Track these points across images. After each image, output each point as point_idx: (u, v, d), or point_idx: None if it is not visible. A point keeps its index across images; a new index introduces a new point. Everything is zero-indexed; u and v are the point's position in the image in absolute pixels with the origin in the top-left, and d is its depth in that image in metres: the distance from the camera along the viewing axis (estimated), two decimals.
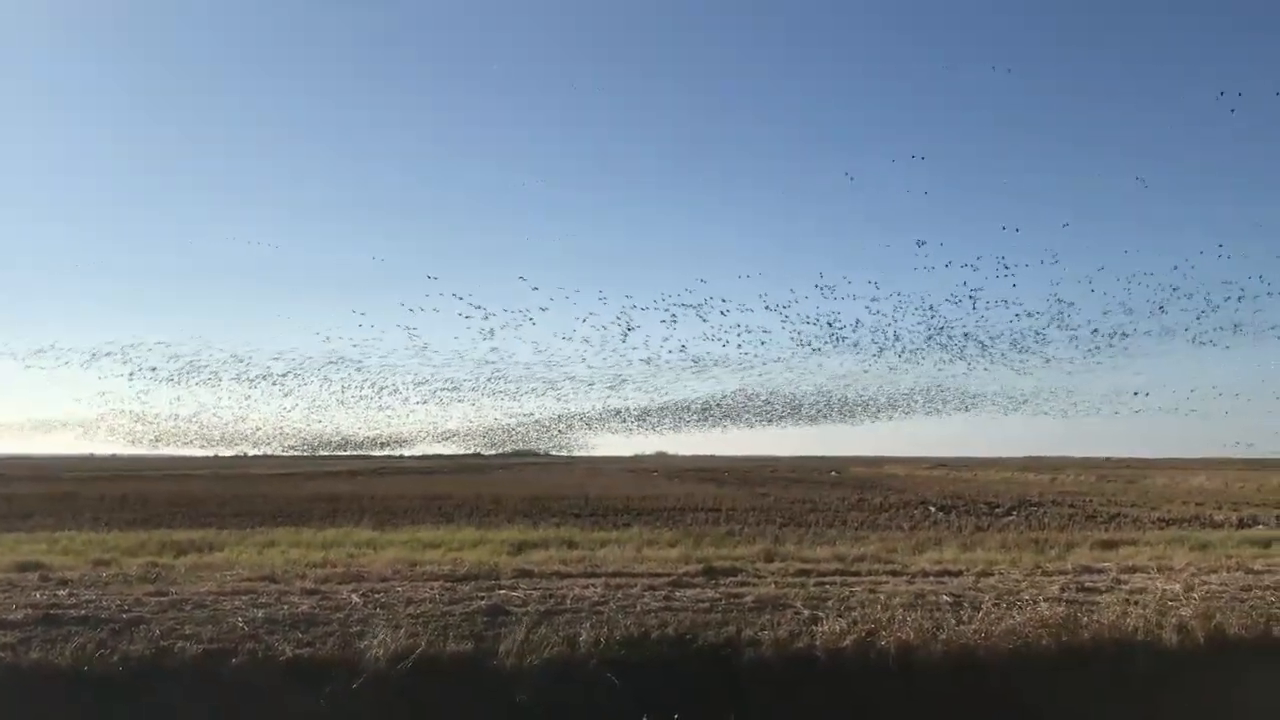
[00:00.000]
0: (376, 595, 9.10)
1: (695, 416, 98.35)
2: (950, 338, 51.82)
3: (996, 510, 28.54)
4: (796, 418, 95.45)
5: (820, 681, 7.37)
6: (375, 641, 7.29)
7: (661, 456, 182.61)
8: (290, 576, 10.27)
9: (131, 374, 68.06)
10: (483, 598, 9.01)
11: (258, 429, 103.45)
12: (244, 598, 8.94)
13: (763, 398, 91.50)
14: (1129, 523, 23.13)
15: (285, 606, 8.49)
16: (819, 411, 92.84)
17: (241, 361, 73.51)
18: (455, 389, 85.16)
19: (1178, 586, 9.62)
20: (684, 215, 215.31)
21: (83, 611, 8.24)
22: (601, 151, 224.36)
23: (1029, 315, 57.97)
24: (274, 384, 76.26)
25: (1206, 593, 9.27)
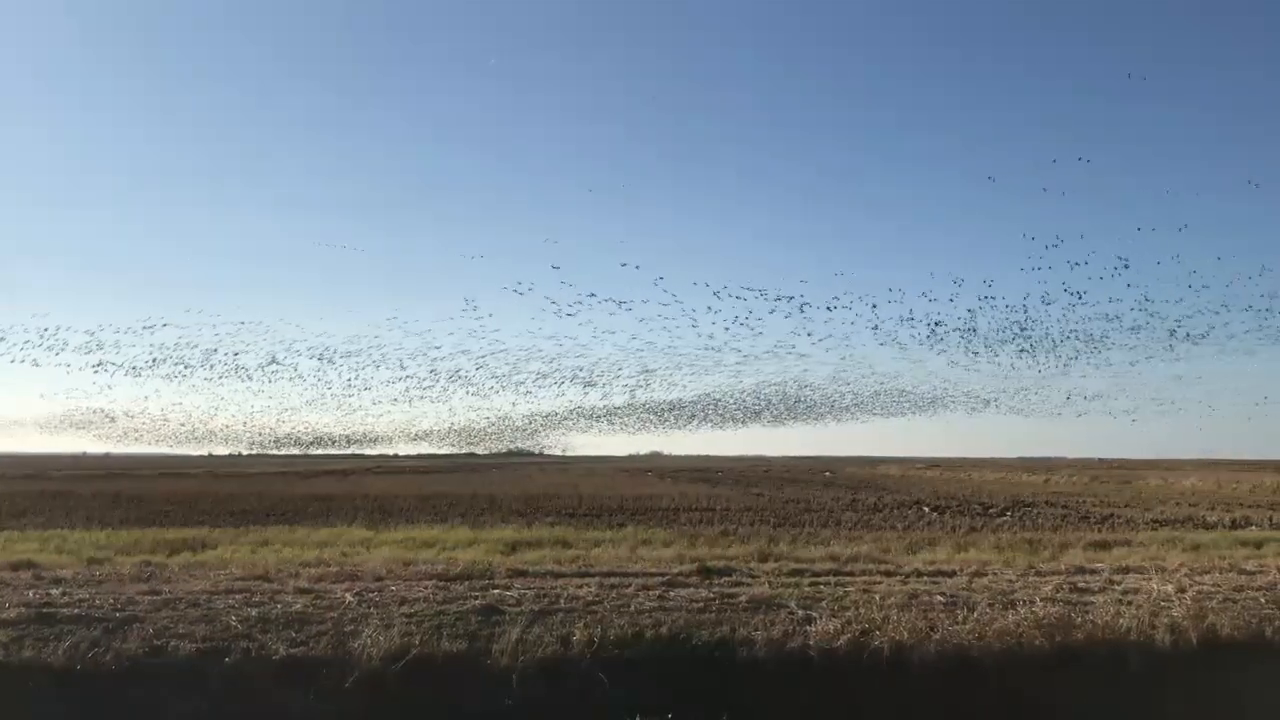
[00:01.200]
0: (370, 594, 9.07)
1: (655, 417, 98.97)
2: (1029, 339, 51.77)
3: (990, 511, 28.61)
4: (759, 420, 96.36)
5: (814, 681, 7.38)
6: (369, 640, 7.28)
7: (656, 456, 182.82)
8: (284, 575, 10.23)
9: (98, 363, 65.47)
10: (477, 597, 8.99)
11: (226, 426, 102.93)
12: (238, 596, 8.91)
13: (733, 401, 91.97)
14: (1122, 523, 23.21)
15: (279, 605, 8.46)
16: (782, 414, 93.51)
17: (215, 352, 71.02)
18: (429, 387, 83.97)
19: (1171, 587, 9.65)
20: (813, 212, 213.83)
21: (76, 610, 8.20)
22: (740, 149, 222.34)
23: (1107, 319, 57.08)
24: (244, 380, 74.52)
25: (1199, 593, 9.30)
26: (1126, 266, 41.91)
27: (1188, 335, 49.37)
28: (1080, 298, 47.54)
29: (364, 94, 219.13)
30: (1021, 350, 52.66)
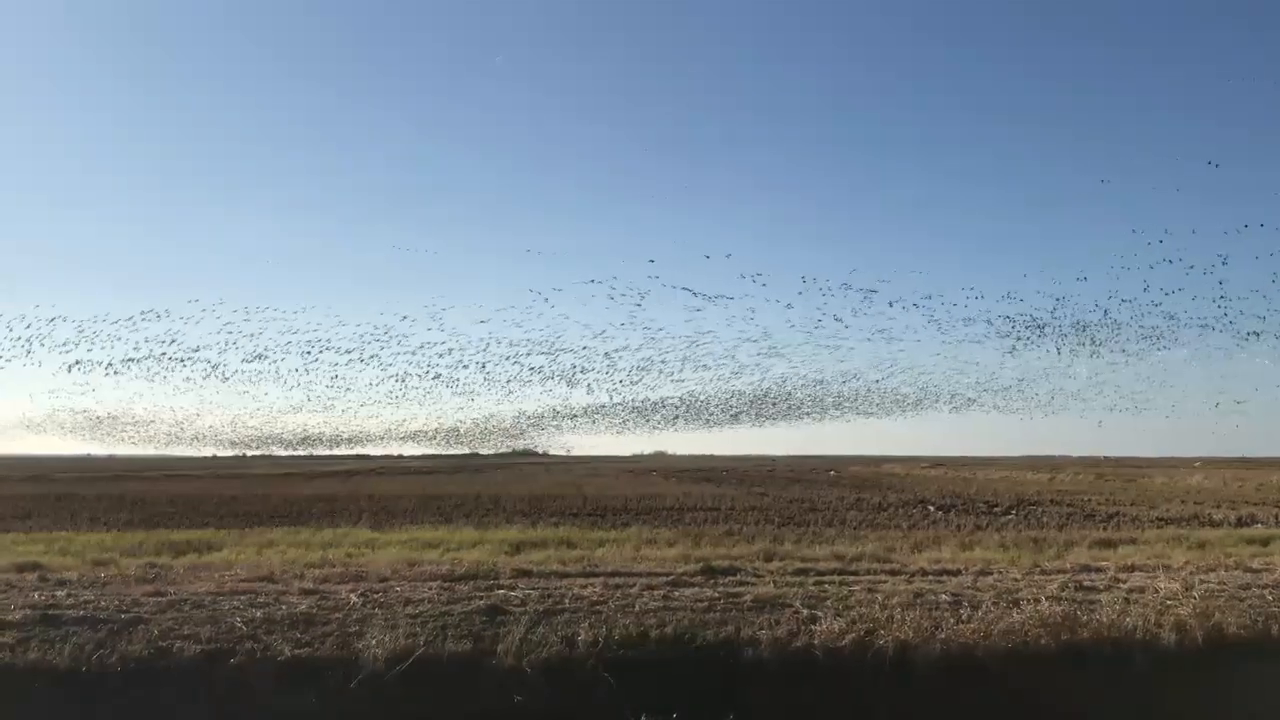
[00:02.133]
0: (375, 595, 9.09)
1: (637, 416, 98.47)
2: (1086, 333, 51.37)
3: (995, 509, 28.53)
4: (739, 422, 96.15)
5: (819, 681, 7.37)
6: (374, 641, 7.29)
7: (660, 456, 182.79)
8: (289, 576, 10.25)
9: (75, 363, 63.41)
10: (481, 597, 9.00)
11: (211, 426, 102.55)
12: (242, 598, 8.93)
13: (716, 402, 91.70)
14: (1127, 522, 23.12)
15: (283, 606, 8.48)
16: (766, 411, 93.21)
17: (200, 349, 69.15)
18: (414, 387, 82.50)
19: (1176, 585, 9.62)
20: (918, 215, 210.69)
21: (81, 612, 8.23)
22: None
23: (1169, 316, 56.16)
24: (223, 380, 73.00)
25: (1205, 592, 9.28)
26: (1224, 263, 40.70)
27: (1257, 335, 48.68)
28: (1168, 295, 46.83)
29: (364, 94, 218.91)
30: (1090, 349, 51.94)
